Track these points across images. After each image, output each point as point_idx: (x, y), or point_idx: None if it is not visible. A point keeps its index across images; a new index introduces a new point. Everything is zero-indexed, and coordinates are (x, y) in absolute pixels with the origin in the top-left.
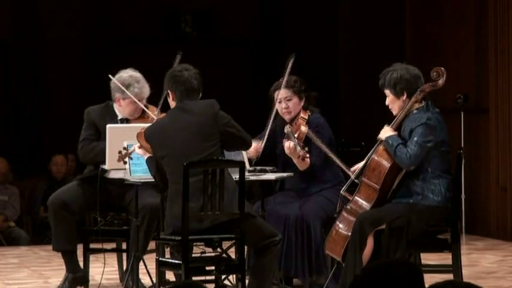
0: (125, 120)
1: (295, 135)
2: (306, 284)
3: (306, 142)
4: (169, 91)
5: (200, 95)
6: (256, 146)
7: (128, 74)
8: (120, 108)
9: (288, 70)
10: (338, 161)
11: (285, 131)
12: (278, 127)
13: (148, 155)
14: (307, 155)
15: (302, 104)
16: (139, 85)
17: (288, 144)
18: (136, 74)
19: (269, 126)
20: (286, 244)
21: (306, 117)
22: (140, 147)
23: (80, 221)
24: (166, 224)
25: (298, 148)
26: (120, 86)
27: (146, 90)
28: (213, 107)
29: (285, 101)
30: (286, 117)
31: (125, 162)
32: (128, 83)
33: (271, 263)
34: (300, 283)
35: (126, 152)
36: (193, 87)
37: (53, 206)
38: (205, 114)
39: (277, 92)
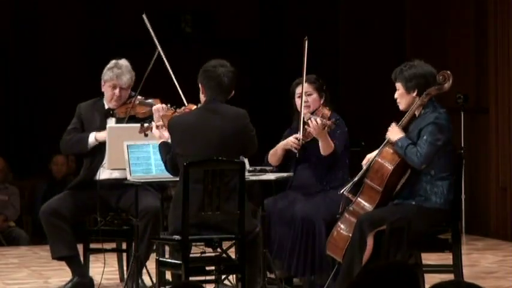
0: (110, 111)
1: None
2: (307, 284)
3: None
4: (200, 85)
5: (231, 94)
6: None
7: (115, 60)
8: (104, 94)
9: (306, 54)
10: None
11: (305, 119)
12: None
13: (163, 139)
14: (334, 124)
15: (322, 101)
16: (118, 71)
17: (314, 122)
18: (123, 62)
19: (301, 120)
20: (291, 243)
21: (328, 112)
22: (158, 128)
23: (79, 222)
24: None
25: (324, 121)
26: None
27: (125, 78)
28: (243, 119)
29: (305, 95)
30: (305, 111)
31: (146, 135)
32: (109, 66)
33: (259, 253)
34: (300, 283)
35: (148, 125)
36: (223, 85)
37: (44, 214)
38: (234, 124)
39: (298, 87)
